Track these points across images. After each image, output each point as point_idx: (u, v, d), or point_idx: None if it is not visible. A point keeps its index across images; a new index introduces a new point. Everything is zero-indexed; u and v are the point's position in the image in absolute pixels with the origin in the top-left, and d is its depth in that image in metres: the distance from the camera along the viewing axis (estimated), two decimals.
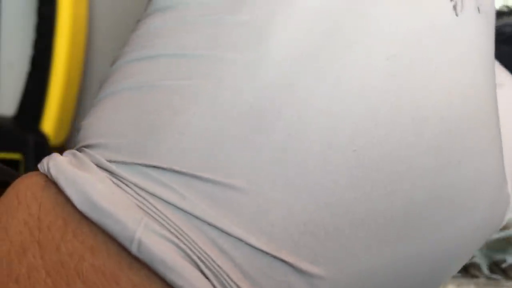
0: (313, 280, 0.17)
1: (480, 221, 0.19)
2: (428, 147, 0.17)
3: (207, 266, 0.16)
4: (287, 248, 0.16)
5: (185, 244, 0.16)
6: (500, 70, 0.24)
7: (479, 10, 0.19)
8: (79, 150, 0.18)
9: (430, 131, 0.17)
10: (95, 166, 0.17)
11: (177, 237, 0.16)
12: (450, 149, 0.18)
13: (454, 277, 0.30)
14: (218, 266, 0.16)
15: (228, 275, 0.16)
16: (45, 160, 0.18)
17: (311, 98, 0.17)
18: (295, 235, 0.16)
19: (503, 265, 0.34)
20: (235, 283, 0.16)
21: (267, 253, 0.16)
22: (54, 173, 0.17)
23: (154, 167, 0.17)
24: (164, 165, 0.17)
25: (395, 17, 0.18)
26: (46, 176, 0.17)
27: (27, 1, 0.41)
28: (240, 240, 0.16)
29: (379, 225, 0.17)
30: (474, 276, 0.32)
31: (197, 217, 0.16)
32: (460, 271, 0.32)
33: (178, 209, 0.16)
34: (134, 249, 0.16)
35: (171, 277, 0.16)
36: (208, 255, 0.16)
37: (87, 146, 0.18)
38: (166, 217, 0.16)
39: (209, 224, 0.16)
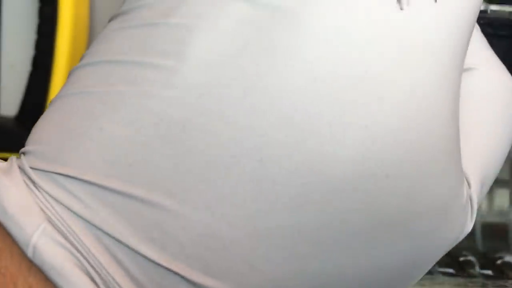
0: None
1: (428, 236, 0.18)
2: (348, 156, 0.17)
3: (98, 274, 0.17)
4: (180, 260, 0.17)
5: (79, 251, 0.17)
6: (478, 50, 0.22)
7: None
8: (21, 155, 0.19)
9: (352, 139, 0.17)
10: (18, 170, 0.18)
11: (72, 244, 0.17)
12: (377, 159, 0.17)
13: (450, 277, 0.30)
14: (109, 274, 0.17)
15: (118, 284, 0.17)
16: None
17: (219, 109, 0.17)
18: (188, 247, 0.16)
19: (498, 262, 0.34)
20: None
21: (158, 264, 0.16)
22: None
23: (63, 175, 0.17)
24: (73, 174, 0.17)
25: (324, 16, 0.17)
26: None
27: (28, 1, 0.41)
28: (132, 249, 0.17)
29: (285, 238, 0.17)
30: (469, 275, 0.32)
31: (95, 226, 0.17)
32: (456, 270, 0.32)
33: (79, 217, 0.17)
34: (29, 253, 0.16)
35: (60, 282, 0.16)
36: (101, 263, 0.17)
37: (24, 152, 0.19)
38: (67, 224, 0.17)
39: (104, 231, 0.17)
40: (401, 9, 0.17)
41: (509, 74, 0.22)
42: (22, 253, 0.17)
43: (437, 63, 0.18)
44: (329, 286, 0.18)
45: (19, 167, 0.18)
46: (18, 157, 0.19)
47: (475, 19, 0.19)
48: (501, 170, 0.22)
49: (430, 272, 0.32)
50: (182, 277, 0.16)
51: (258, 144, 0.16)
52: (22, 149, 0.19)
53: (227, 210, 0.16)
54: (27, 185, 0.17)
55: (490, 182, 0.21)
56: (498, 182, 0.38)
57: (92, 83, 0.18)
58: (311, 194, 0.17)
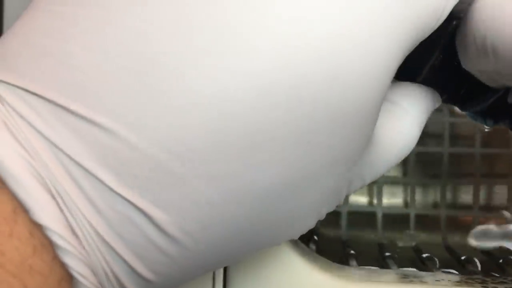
0: (155, 220, 0.17)
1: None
2: (291, 124, 0.17)
3: (55, 188, 0.17)
4: (132, 188, 0.17)
5: (38, 165, 0.17)
6: (400, 89, 0.23)
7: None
8: None
9: (301, 114, 0.17)
10: None
11: (32, 157, 0.17)
12: (320, 134, 0.18)
13: (452, 274, 0.30)
14: (65, 190, 0.17)
15: (73, 200, 0.17)
16: None
17: (189, 51, 0.17)
18: (141, 178, 0.17)
19: (500, 261, 0.34)
20: (79, 208, 0.17)
21: (112, 189, 0.17)
22: None
23: (30, 92, 0.17)
24: (38, 91, 0.17)
25: None
26: None
27: (28, 2, 0.41)
28: (90, 172, 0.17)
29: (230, 187, 0.18)
30: (471, 272, 0.32)
31: (55, 144, 0.17)
32: (457, 268, 0.32)
33: (40, 134, 0.17)
34: None
35: (18, 191, 0.17)
36: (57, 179, 0.17)
37: None
38: (28, 139, 0.17)
39: (64, 152, 0.17)
40: None
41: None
42: None
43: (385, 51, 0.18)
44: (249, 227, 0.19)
45: None
46: None
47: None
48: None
49: (431, 270, 0.32)
50: (134, 205, 0.17)
51: (217, 94, 0.17)
52: None
53: (181, 150, 0.17)
54: None
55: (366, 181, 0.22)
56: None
57: (68, 1, 0.18)
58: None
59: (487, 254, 0.36)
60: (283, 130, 0.17)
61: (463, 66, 0.22)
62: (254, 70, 0.17)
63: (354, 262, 0.33)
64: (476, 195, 0.38)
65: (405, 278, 0.27)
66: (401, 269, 0.32)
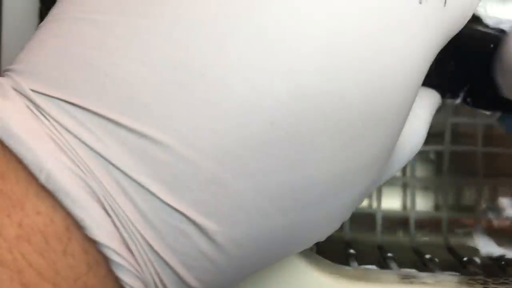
0: (207, 231, 0.17)
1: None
2: (340, 134, 0.18)
3: (109, 204, 0.17)
4: (186, 201, 0.17)
5: (91, 181, 0.17)
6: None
7: (445, 3, 0.19)
8: (3, 74, 0.18)
9: (347, 121, 0.18)
10: (14, 93, 0.17)
11: (84, 173, 0.17)
12: (360, 138, 0.18)
13: (453, 275, 0.30)
14: (119, 205, 0.17)
15: (127, 215, 0.17)
16: None
17: (237, 64, 0.17)
18: (195, 191, 0.17)
19: (502, 262, 0.34)
20: (132, 223, 0.17)
21: (166, 203, 0.17)
22: None
23: (75, 105, 0.17)
24: (85, 105, 0.17)
25: None
26: None
27: (28, 1, 0.41)
28: (143, 187, 0.17)
29: (279, 194, 0.18)
30: (473, 273, 0.32)
31: (106, 159, 0.17)
32: (459, 269, 0.32)
33: (90, 149, 0.17)
34: (42, 178, 0.16)
35: (73, 208, 0.16)
36: (111, 195, 0.17)
37: (11, 70, 0.18)
38: (77, 154, 0.17)
39: (117, 167, 0.17)
40: (420, 3, 0.18)
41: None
42: (29, 179, 0.16)
43: (421, 65, 0.19)
44: (290, 237, 0.19)
45: (14, 89, 0.17)
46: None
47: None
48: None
49: (432, 270, 0.32)
50: (188, 217, 0.17)
51: (272, 105, 0.17)
52: (9, 67, 0.18)
53: (235, 163, 0.17)
54: (29, 109, 0.17)
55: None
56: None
57: (102, 9, 0.17)
58: (305, 161, 0.18)
59: (489, 255, 0.35)
60: (331, 131, 0.18)
61: (504, 95, 0.23)
62: (300, 76, 0.17)
63: (355, 263, 0.33)
64: (478, 195, 0.38)
65: (406, 278, 0.27)
66: (402, 269, 0.32)
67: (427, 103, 0.24)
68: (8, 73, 0.18)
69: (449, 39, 0.20)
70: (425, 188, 0.39)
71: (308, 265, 0.27)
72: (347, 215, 0.21)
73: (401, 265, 0.33)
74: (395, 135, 0.20)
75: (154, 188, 0.17)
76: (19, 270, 0.16)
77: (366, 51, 0.17)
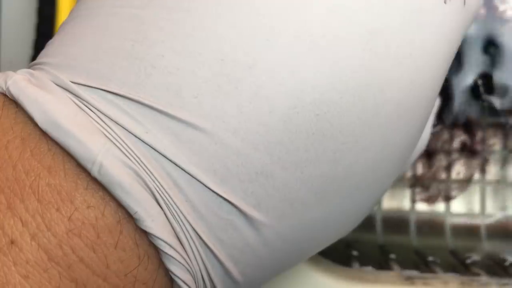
0: (255, 223, 0.17)
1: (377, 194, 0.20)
2: (379, 127, 0.18)
3: (161, 196, 0.16)
4: (236, 192, 0.17)
5: (142, 173, 0.16)
6: None
7: (464, 3, 0.19)
8: (34, 68, 0.18)
9: (385, 113, 0.18)
10: (55, 86, 0.17)
11: (136, 165, 0.16)
12: (394, 130, 0.18)
13: (455, 276, 0.30)
14: (170, 197, 0.17)
15: (178, 207, 0.17)
16: (1, 79, 0.17)
17: (284, 57, 0.17)
18: (245, 182, 0.17)
19: (506, 263, 0.34)
20: (183, 215, 0.17)
21: (217, 194, 0.17)
22: (14, 91, 0.17)
23: (121, 95, 0.17)
24: (132, 96, 0.16)
25: None
26: (4, 95, 0.17)
27: (27, 1, 0.41)
28: (194, 178, 0.17)
29: (321, 185, 0.18)
30: (475, 274, 0.32)
31: (156, 150, 0.16)
32: (461, 270, 0.32)
33: (139, 140, 0.16)
34: (94, 171, 0.16)
35: (127, 201, 0.16)
36: (163, 187, 0.16)
37: (44, 64, 0.18)
38: (127, 145, 0.16)
39: (168, 158, 0.16)
40: (445, 3, 0.19)
41: None
42: (78, 172, 0.16)
43: (444, 62, 0.19)
44: (332, 228, 0.20)
45: (54, 82, 0.17)
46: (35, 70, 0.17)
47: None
48: None
49: (434, 271, 0.32)
50: (238, 208, 0.17)
51: (318, 99, 0.17)
52: (40, 60, 0.18)
53: (283, 154, 0.17)
54: (73, 101, 0.17)
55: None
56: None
57: (140, 3, 0.17)
58: (348, 152, 0.18)
59: (491, 256, 0.35)
60: (370, 122, 0.18)
61: None
62: (343, 71, 0.17)
63: (356, 264, 0.33)
64: (481, 196, 0.38)
65: (408, 280, 0.27)
66: (404, 271, 0.32)
67: None
68: (41, 66, 0.18)
69: (462, 38, 0.21)
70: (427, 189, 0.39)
71: (310, 266, 0.26)
72: (371, 209, 0.21)
73: (403, 266, 0.33)
74: (421, 130, 0.20)
75: (205, 179, 0.17)
76: (69, 265, 0.16)
77: (402, 47, 0.18)
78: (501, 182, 0.37)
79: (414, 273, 0.30)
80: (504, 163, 0.37)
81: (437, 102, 0.26)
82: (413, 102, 0.19)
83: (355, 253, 0.34)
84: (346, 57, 0.17)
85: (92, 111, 0.17)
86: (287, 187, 0.17)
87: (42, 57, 0.18)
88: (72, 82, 0.17)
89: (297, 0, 0.17)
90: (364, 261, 0.33)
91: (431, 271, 0.33)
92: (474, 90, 0.35)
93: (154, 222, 0.16)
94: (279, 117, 0.17)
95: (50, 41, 0.18)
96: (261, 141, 0.17)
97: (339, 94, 0.17)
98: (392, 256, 0.35)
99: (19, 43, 0.40)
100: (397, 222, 0.38)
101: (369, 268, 0.32)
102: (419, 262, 0.35)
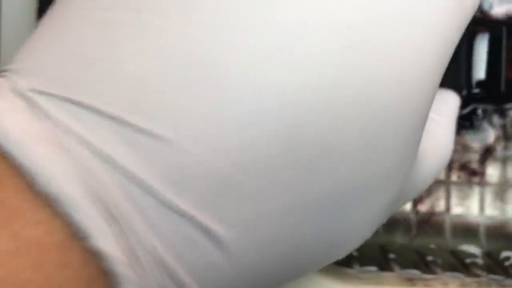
0: (218, 238, 0.16)
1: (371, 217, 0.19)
2: (361, 130, 0.17)
3: (114, 211, 0.15)
4: (197, 205, 0.16)
5: (96, 185, 0.15)
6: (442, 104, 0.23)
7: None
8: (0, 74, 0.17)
9: (369, 115, 0.17)
10: (11, 94, 0.16)
11: (88, 177, 0.15)
12: (381, 134, 0.17)
13: (456, 277, 0.30)
14: (125, 213, 0.16)
15: (134, 223, 0.16)
16: None
17: (252, 60, 0.16)
18: (208, 193, 0.16)
19: (506, 263, 0.34)
20: (140, 232, 0.16)
21: (175, 206, 0.16)
22: None
23: (77, 103, 0.16)
24: (90, 103, 0.16)
25: None
26: None
27: (27, 1, 0.41)
28: (151, 189, 0.16)
29: (295, 198, 0.17)
30: (476, 275, 0.32)
31: (112, 161, 0.16)
32: (462, 271, 0.32)
33: (93, 150, 0.16)
34: (41, 183, 0.15)
35: (75, 216, 0.15)
36: (116, 200, 0.15)
37: (9, 70, 0.17)
38: (80, 155, 0.15)
39: (123, 169, 0.16)
40: None
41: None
42: (28, 185, 0.15)
43: (437, 62, 0.18)
44: (306, 248, 0.18)
45: (12, 89, 0.16)
46: None
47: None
48: None
49: (435, 272, 0.32)
50: (198, 222, 0.16)
51: (283, 101, 0.16)
52: (7, 67, 0.17)
53: (249, 164, 0.16)
54: (28, 110, 0.16)
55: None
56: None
57: (106, 6, 0.17)
58: (327, 160, 0.17)
59: (492, 257, 0.35)
60: (350, 128, 0.17)
61: None
62: (319, 72, 0.16)
63: (357, 265, 0.33)
64: (482, 196, 0.38)
65: (408, 280, 0.27)
66: (404, 271, 0.32)
67: (446, 108, 0.23)
68: (6, 73, 0.17)
69: (460, 37, 0.20)
70: (427, 188, 0.39)
71: None
72: (368, 234, 0.19)
73: (403, 266, 0.33)
74: (416, 135, 0.19)
75: (163, 192, 0.16)
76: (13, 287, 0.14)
77: (388, 45, 0.17)
78: (501, 182, 0.37)
79: (414, 274, 0.30)
80: (504, 163, 0.37)
81: (457, 103, 0.24)
82: (402, 105, 0.17)
83: (355, 253, 0.34)
84: (318, 54, 0.16)
85: (48, 120, 0.16)
86: (255, 199, 0.16)
87: (13, 61, 0.17)
88: (30, 89, 0.16)
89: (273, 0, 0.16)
90: (364, 262, 0.33)
91: (431, 271, 0.33)
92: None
93: (104, 239, 0.15)
94: (245, 121, 0.16)
95: (24, 43, 0.18)
96: (226, 148, 0.16)
97: (312, 95, 0.16)
98: (392, 256, 0.35)
99: (19, 43, 0.40)
100: (397, 223, 0.38)
101: (370, 269, 0.32)
102: (419, 262, 0.35)
